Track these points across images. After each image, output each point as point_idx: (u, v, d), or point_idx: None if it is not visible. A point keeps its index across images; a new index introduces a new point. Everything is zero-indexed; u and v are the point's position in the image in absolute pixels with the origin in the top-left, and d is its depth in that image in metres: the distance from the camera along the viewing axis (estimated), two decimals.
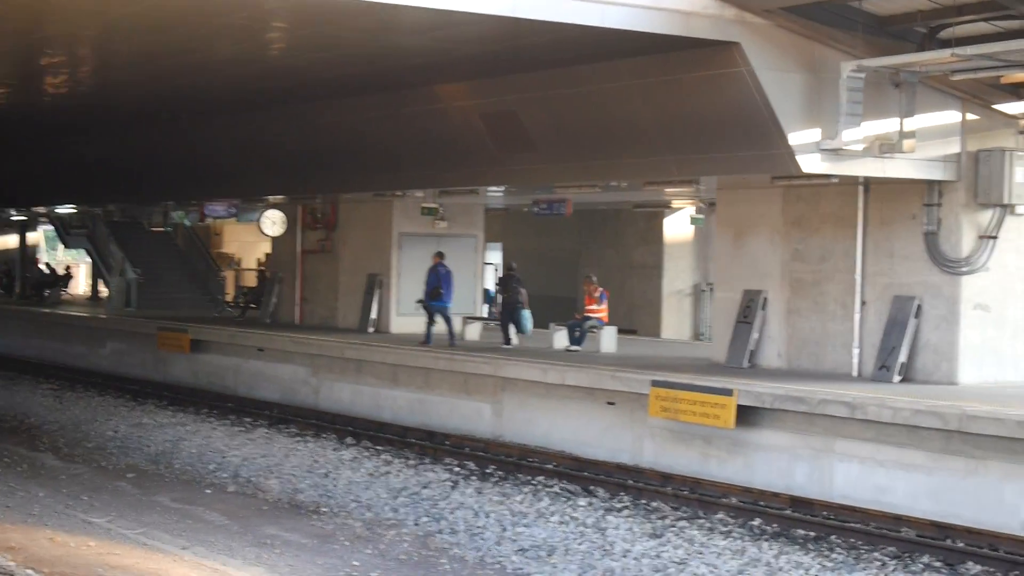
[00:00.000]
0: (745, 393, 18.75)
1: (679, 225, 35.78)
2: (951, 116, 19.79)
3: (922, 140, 19.14)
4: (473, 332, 28.92)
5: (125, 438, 23.33)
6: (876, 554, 14.93)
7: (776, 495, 17.49)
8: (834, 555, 14.93)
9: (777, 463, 18.51)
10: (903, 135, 18.88)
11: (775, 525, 16.36)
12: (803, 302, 21.99)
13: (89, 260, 49.70)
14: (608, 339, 26.39)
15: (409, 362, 25.20)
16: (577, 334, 26.33)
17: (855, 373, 21.01)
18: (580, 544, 15.33)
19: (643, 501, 17.88)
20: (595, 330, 26.46)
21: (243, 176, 31.64)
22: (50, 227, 50.41)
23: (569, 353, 25.53)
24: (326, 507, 17.42)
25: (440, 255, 27.68)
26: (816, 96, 18.69)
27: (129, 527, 15.31)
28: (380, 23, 17.91)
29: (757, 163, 19.60)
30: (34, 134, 34.94)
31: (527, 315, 27.38)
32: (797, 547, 15.32)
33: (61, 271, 50.77)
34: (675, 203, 33.81)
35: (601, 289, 26.84)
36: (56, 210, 45.64)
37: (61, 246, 55.31)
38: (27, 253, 51.48)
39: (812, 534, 15.89)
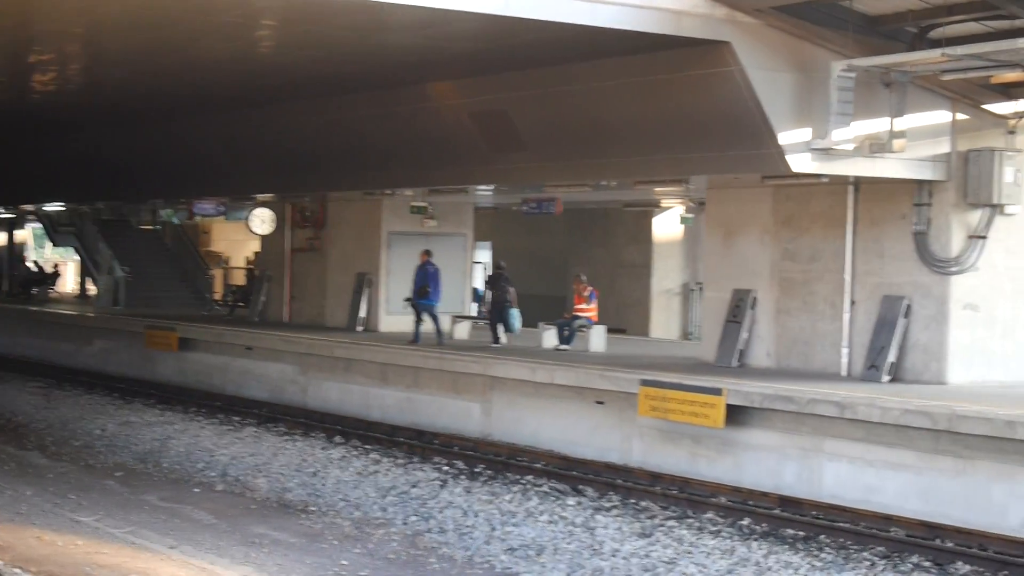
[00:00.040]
0: (734, 393, 18.75)
1: (668, 224, 35.79)
2: (941, 116, 19.79)
3: (912, 140, 19.14)
4: (462, 331, 28.89)
5: (113, 436, 23.27)
6: (865, 554, 14.93)
7: (765, 495, 17.48)
8: (823, 555, 14.93)
9: (766, 463, 18.51)
10: (893, 135, 18.87)
11: (764, 525, 16.35)
12: (793, 302, 22.00)
13: (77, 258, 49.65)
14: (597, 338, 26.37)
15: (398, 361, 25.16)
16: (566, 333, 26.31)
17: (844, 373, 21.02)
18: (569, 543, 15.31)
19: (632, 500, 17.87)
20: (584, 329, 26.45)
21: (232, 174, 31.57)
22: (38, 225, 50.32)
23: (558, 352, 25.51)
24: (314, 506, 17.39)
25: (427, 253, 27.63)
26: (806, 95, 18.69)
27: (117, 526, 15.25)
28: (370, 21, 17.87)
29: (747, 162, 19.61)
30: (22, 131, 34.82)
31: (516, 314, 27.34)
32: (786, 547, 15.31)
33: (49, 269, 50.69)
34: (665, 202, 33.83)
35: (591, 288, 26.82)
36: (44, 208, 45.55)
37: (49, 244, 55.19)
38: (15, 251, 51.36)
39: (801, 534, 15.88)
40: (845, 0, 18.22)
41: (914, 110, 19.22)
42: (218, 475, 19.62)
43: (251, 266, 41.46)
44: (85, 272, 47.50)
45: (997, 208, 19.82)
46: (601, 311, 27.57)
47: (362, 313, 30.51)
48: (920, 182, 19.91)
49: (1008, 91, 19.80)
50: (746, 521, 16.54)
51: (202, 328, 31.74)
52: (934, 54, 17.63)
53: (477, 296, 33.26)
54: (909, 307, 20.22)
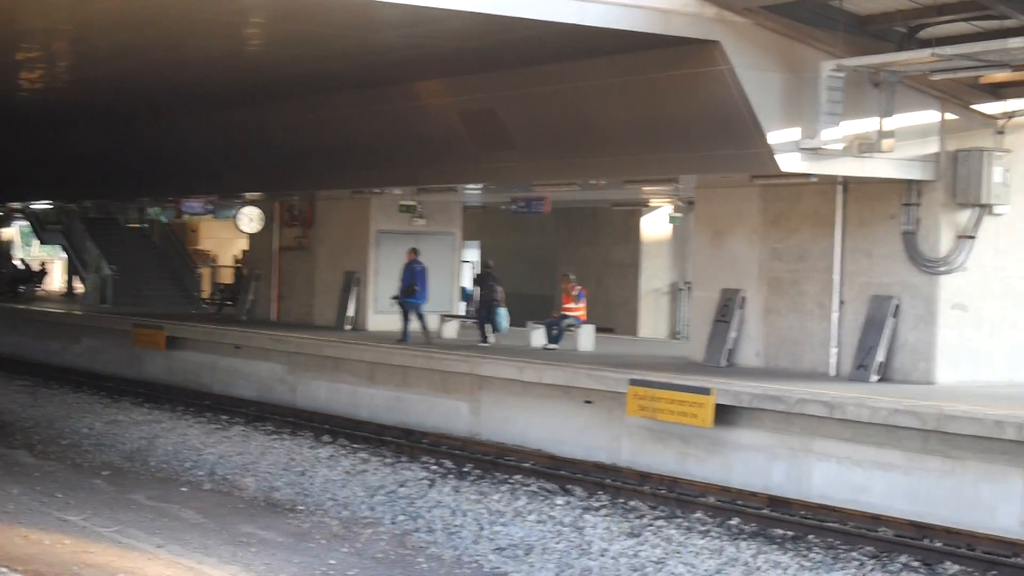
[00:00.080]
0: (723, 392, 18.74)
1: (657, 224, 35.80)
2: (930, 116, 19.81)
3: (901, 140, 19.17)
4: (450, 330, 28.85)
5: (100, 435, 23.20)
6: (854, 554, 14.92)
7: (754, 494, 17.47)
8: (812, 555, 14.92)
9: (755, 462, 18.50)
10: (882, 135, 18.91)
11: (753, 524, 16.34)
12: (781, 301, 22.00)
13: (64, 256, 49.50)
14: (586, 337, 26.36)
15: (386, 360, 25.12)
16: (555, 332, 26.29)
17: (833, 372, 21.03)
18: (558, 543, 15.28)
19: (621, 500, 17.85)
20: (573, 328, 26.43)
21: (220, 172, 31.51)
22: (25, 223, 50.20)
23: (547, 351, 25.49)
24: (302, 505, 17.34)
25: (415, 251, 27.59)
26: (796, 95, 18.69)
27: (104, 525, 15.19)
28: (358, 19, 17.85)
29: (736, 162, 19.60)
30: (9, 129, 34.71)
31: (504, 313, 27.31)
32: (775, 547, 15.31)
33: (36, 267, 50.54)
34: (653, 202, 33.83)
35: (579, 287, 26.81)
36: (31, 206, 45.43)
37: (36, 242, 55.07)
38: (2, 249, 51.23)
39: (790, 534, 15.87)
40: (835, 0, 18.23)
41: (903, 110, 19.25)
42: (206, 474, 19.57)
43: (239, 264, 41.40)
44: (72, 270, 47.39)
45: (986, 208, 19.84)
46: (589, 310, 27.56)
47: (350, 312, 30.48)
48: (909, 182, 19.93)
49: (997, 91, 19.84)
50: (735, 521, 16.53)
51: (190, 327, 31.66)
52: (923, 54, 17.65)
53: (465, 295, 33.23)
54: (898, 307, 20.23)
